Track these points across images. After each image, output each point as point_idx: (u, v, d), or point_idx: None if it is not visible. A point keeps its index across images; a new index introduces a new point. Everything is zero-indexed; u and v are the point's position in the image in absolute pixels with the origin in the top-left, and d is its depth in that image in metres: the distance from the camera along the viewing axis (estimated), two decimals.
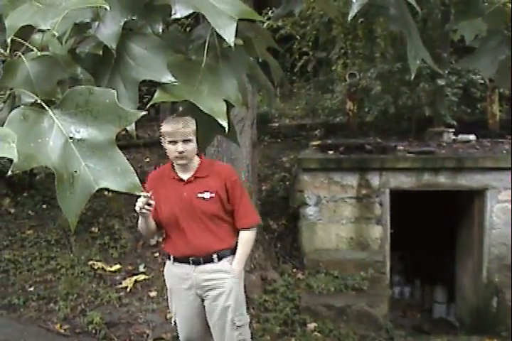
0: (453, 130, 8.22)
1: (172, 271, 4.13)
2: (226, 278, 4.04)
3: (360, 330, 5.94)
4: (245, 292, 6.07)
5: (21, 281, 6.55)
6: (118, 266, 6.80)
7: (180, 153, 3.79)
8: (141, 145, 9.93)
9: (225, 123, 1.34)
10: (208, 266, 4.01)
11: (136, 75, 1.27)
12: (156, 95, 1.31)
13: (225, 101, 1.61)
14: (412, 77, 1.91)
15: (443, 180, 6.77)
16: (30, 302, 6.21)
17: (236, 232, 4.11)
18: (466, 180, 6.74)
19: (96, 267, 6.72)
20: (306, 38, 10.68)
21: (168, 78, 1.25)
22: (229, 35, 1.21)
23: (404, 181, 6.82)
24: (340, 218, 6.93)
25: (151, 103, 1.30)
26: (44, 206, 8.15)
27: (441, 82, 8.16)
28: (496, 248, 6.76)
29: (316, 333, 5.86)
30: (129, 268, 6.77)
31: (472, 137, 8.03)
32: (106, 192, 8.32)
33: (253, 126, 6.56)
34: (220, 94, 1.41)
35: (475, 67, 2.01)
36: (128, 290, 6.38)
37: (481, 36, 2.08)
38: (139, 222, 4.00)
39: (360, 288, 6.48)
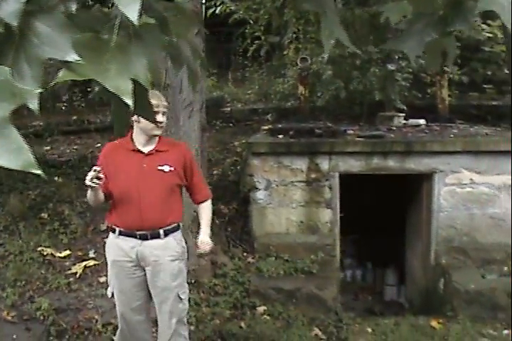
0: (403, 114, 8.28)
1: (116, 243, 4.22)
2: (171, 255, 4.21)
3: (309, 313, 5.99)
4: (195, 276, 6.20)
5: None
6: (67, 252, 6.71)
7: (160, 123, 4.07)
8: (92, 131, 9.84)
9: (129, 102, 1.31)
10: (154, 242, 4.15)
11: (41, 54, 1.25)
12: (60, 74, 1.28)
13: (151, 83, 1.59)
14: (326, 56, 1.90)
15: (392, 163, 6.83)
16: None
17: (182, 209, 4.36)
18: (415, 163, 6.81)
19: (45, 253, 6.63)
20: (259, 22, 10.63)
21: (72, 57, 1.23)
22: (132, 14, 1.19)
23: (354, 165, 6.86)
24: (290, 202, 6.95)
25: (54, 82, 1.28)
26: None
27: (391, 66, 8.22)
28: (444, 230, 6.86)
29: (265, 316, 5.90)
30: (79, 253, 6.69)
31: (422, 121, 8.10)
32: (56, 178, 8.25)
33: (202, 110, 6.53)
34: (128, 73, 1.39)
35: (401, 49, 2.02)
36: (77, 275, 6.31)
37: (408, 18, 2.09)
38: (88, 193, 4.07)
39: (310, 271, 6.51)
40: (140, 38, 1.46)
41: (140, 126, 4.10)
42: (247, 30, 11.30)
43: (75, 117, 11.06)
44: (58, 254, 6.66)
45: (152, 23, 1.53)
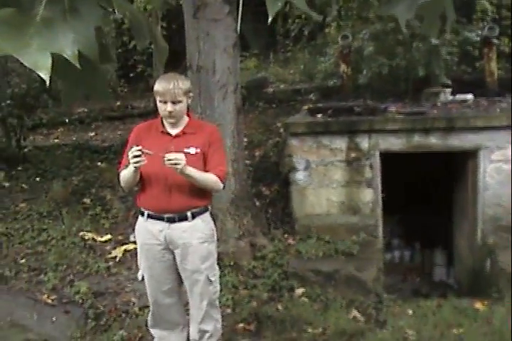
0: (449, 90, 8.02)
1: (145, 227, 4.20)
2: (200, 237, 4.15)
3: (348, 295, 5.86)
4: (234, 258, 6.15)
5: (13, 254, 6.54)
6: (109, 236, 6.78)
7: (169, 112, 3.94)
8: (135, 116, 9.87)
9: (46, 77, 1.23)
10: (182, 224, 4.10)
11: None
12: None
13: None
14: (270, 20, 1.76)
15: (434, 141, 6.62)
16: (22, 274, 6.19)
17: (211, 192, 4.25)
18: (458, 140, 6.58)
19: (86, 238, 6.71)
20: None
21: None
22: None
23: (395, 143, 6.67)
24: (331, 182, 6.82)
25: None
26: (37, 179, 8.18)
27: (435, 41, 7.96)
28: (491, 209, 6.62)
29: (303, 298, 5.80)
30: (120, 238, 6.73)
31: (470, 97, 7.83)
32: (99, 163, 8.31)
33: (237, 92, 6.42)
34: (52, 48, 1.30)
35: (392, 12, 1.88)
36: (117, 259, 6.35)
37: None
38: (126, 173, 4.03)
39: (351, 252, 6.38)
40: (76, 12, 1.37)
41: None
42: (290, 9, 11.14)
43: (118, 103, 11.14)
44: (99, 239, 6.73)
45: None
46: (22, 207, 7.47)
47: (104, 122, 10.38)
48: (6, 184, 8.10)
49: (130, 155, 3.79)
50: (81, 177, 7.97)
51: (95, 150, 8.84)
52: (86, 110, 10.90)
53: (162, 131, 4.12)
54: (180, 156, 3.80)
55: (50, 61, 1.28)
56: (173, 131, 4.11)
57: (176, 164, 3.77)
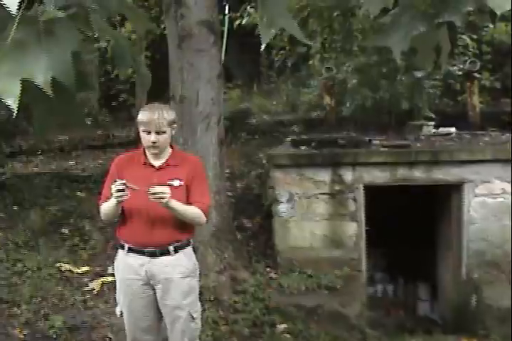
0: (432, 123, 8.02)
1: (125, 261, 4.07)
2: (182, 272, 4.02)
3: (332, 331, 5.75)
4: (215, 293, 6.02)
5: None
6: (86, 268, 6.61)
7: (153, 143, 3.82)
8: (117, 145, 9.77)
9: (13, 105, 1.13)
10: (164, 258, 3.98)
11: None
12: None
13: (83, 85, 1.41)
14: (263, 47, 1.68)
15: (418, 174, 6.59)
16: None
17: (194, 225, 4.14)
18: (442, 173, 6.56)
19: (63, 269, 6.53)
20: (285, 33, 10.48)
21: None
22: (11, 3, 1.01)
23: (379, 176, 6.63)
24: (314, 215, 6.74)
25: None
26: (15, 207, 7.99)
27: (418, 74, 7.98)
28: (475, 243, 6.58)
29: (285, 334, 5.67)
30: (98, 269, 6.57)
31: (453, 130, 7.84)
32: (78, 193, 8.18)
33: (220, 123, 6.36)
34: (22, 74, 1.21)
35: (385, 44, 1.81)
36: (95, 292, 6.20)
37: (393, 11, 1.89)
38: (107, 205, 3.92)
39: (334, 286, 6.28)
40: (52, 34, 1.28)
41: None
42: (274, 41, 11.16)
43: (100, 132, 11.06)
44: (77, 270, 6.57)
45: (61, 16, 1.34)
46: None
47: (85, 151, 10.28)
48: None
49: (113, 188, 3.68)
50: (59, 207, 7.82)
51: (75, 179, 8.71)
52: (67, 138, 10.80)
53: (145, 163, 4.00)
54: (165, 190, 3.71)
55: (18, 88, 1.19)
56: (156, 163, 4.00)
57: (160, 198, 3.68)
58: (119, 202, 3.79)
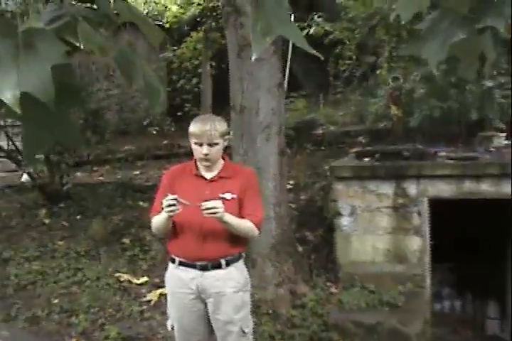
0: (504, 134, 7.73)
1: (176, 274, 4.04)
2: (234, 286, 3.96)
3: None
4: (273, 307, 5.91)
5: (47, 293, 6.44)
6: (145, 279, 6.64)
7: (205, 155, 3.78)
8: (182, 155, 9.80)
9: None
10: (216, 272, 3.92)
11: None
12: None
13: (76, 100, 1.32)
14: (254, 58, 1.55)
15: (486, 187, 6.32)
16: (53, 314, 6.08)
17: (247, 239, 4.07)
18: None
19: (122, 279, 6.60)
20: (352, 42, 10.36)
21: None
22: None
23: (444, 189, 6.39)
24: (376, 229, 6.54)
25: None
26: (78, 217, 8.11)
27: (488, 83, 7.71)
28: None
29: None
30: (156, 280, 6.55)
31: None
32: (141, 203, 8.21)
33: (281, 133, 6.27)
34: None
35: (420, 54, 1.67)
36: (152, 303, 6.18)
37: (430, 17, 1.75)
38: (159, 219, 3.87)
39: (395, 303, 6.08)
40: (31, 48, 1.20)
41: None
42: (342, 51, 11.06)
43: (165, 141, 11.13)
44: (135, 281, 6.60)
45: (41, 28, 1.25)
46: (60, 245, 7.41)
47: (150, 161, 10.37)
48: (47, 221, 8.07)
49: (164, 203, 3.63)
50: (122, 217, 7.90)
51: (138, 189, 8.78)
52: (133, 148, 10.92)
53: (196, 175, 3.96)
54: (218, 204, 3.63)
55: None
56: (208, 175, 3.95)
57: (214, 213, 3.60)
58: (170, 217, 3.73)
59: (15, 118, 1.40)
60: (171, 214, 3.66)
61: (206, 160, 3.84)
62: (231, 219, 3.74)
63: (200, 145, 3.79)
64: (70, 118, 1.42)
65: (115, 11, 1.64)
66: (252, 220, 3.89)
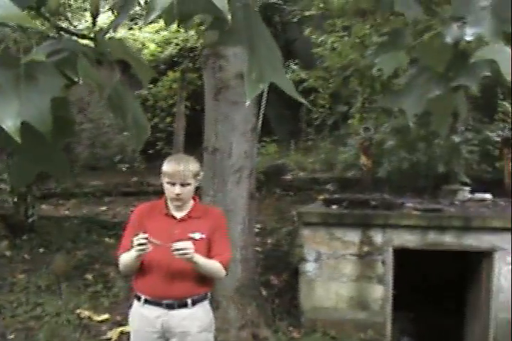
0: (468, 188, 7.91)
1: (141, 313, 3.98)
2: (199, 325, 3.93)
3: None
4: None
5: (2, 328, 6.30)
6: (106, 316, 6.53)
7: (177, 195, 3.77)
8: (151, 193, 9.80)
9: None
10: (182, 311, 3.88)
11: None
12: None
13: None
14: (248, 102, 1.65)
15: (449, 239, 6.44)
16: None
17: (213, 279, 4.06)
18: (474, 240, 6.40)
19: (83, 316, 6.47)
20: (326, 91, 10.54)
21: None
22: None
23: (409, 239, 6.49)
24: (341, 276, 6.60)
25: None
26: (41, 250, 8.03)
27: (456, 138, 7.91)
28: (504, 312, 6.36)
29: None
30: (118, 318, 6.48)
31: (488, 196, 7.71)
32: (106, 239, 8.18)
33: (251, 177, 6.33)
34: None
35: (398, 106, 1.77)
36: None
37: (409, 73, 1.86)
38: (127, 258, 3.82)
39: None
40: (32, 79, 1.26)
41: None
42: (315, 99, 11.25)
43: (135, 178, 11.15)
44: (96, 318, 6.50)
45: (42, 60, 1.32)
46: (20, 279, 7.27)
47: (118, 197, 10.35)
48: (8, 253, 7.95)
49: (135, 242, 3.62)
50: (86, 252, 7.83)
51: (104, 225, 8.75)
52: (101, 183, 10.90)
53: (166, 214, 3.95)
54: (189, 245, 3.64)
55: None
56: (178, 215, 3.94)
57: (184, 254, 3.62)
58: (139, 255, 3.74)
59: (7, 147, 1.45)
60: (141, 252, 3.65)
61: (178, 199, 3.85)
62: (200, 260, 3.74)
63: (173, 184, 3.79)
64: (60, 149, 1.48)
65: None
66: (221, 261, 3.89)
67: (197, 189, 4.10)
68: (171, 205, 3.95)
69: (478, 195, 7.72)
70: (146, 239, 3.59)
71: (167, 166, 3.82)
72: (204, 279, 3.92)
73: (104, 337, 6.18)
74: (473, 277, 7.00)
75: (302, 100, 1.68)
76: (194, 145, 6.69)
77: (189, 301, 3.89)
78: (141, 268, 3.92)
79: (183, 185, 3.78)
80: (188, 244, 3.64)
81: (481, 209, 6.97)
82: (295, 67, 11.82)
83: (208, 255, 3.86)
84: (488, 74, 1.71)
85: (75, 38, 1.84)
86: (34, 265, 7.59)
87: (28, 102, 1.25)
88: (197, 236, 3.85)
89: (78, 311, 6.54)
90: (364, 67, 8.88)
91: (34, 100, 1.26)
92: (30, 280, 7.17)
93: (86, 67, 1.47)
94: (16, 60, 1.34)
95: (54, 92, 1.32)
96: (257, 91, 1.51)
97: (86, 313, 6.51)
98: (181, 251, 3.60)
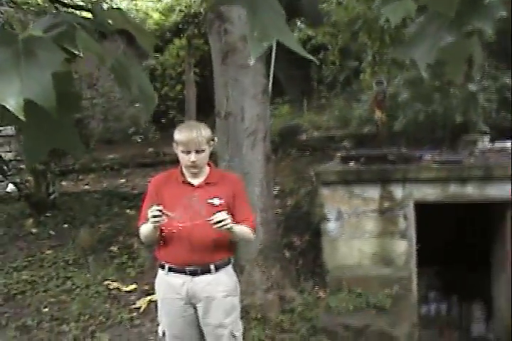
0: (488, 137, 7.78)
1: (166, 280, 4.05)
2: (223, 290, 3.99)
3: None
4: (262, 311, 5.92)
5: (37, 302, 6.41)
6: (134, 286, 6.62)
7: (193, 162, 3.79)
8: (167, 162, 9.78)
9: None
10: (205, 277, 3.94)
11: None
12: None
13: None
14: (252, 62, 1.58)
15: (471, 190, 6.36)
16: (44, 323, 6.05)
17: (235, 244, 4.14)
18: (496, 190, 6.31)
19: (111, 287, 6.58)
20: (335, 47, 10.38)
21: None
22: None
23: (430, 193, 6.43)
24: (363, 233, 6.57)
25: None
26: (65, 226, 8.09)
27: (472, 86, 7.76)
28: None
29: None
30: (145, 288, 6.55)
31: (509, 144, 7.57)
32: (128, 211, 8.20)
33: (266, 139, 6.27)
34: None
35: (409, 56, 1.69)
36: (141, 310, 6.18)
37: (418, 21, 1.77)
38: (146, 228, 3.90)
39: (383, 306, 6.10)
40: (32, 55, 1.21)
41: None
42: (325, 56, 11.09)
43: (150, 149, 11.14)
44: (124, 288, 6.59)
45: (40, 35, 1.27)
46: (48, 254, 7.39)
47: (135, 169, 10.37)
48: (34, 230, 8.04)
49: (149, 214, 3.65)
50: (109, 225, 7.89)
51: (124, 197, 8.78)
52: (117, 156, 10.91)
53: (183, 182, 3.97)
54: (225, 216, 3.67)
55: None
56: (195, 182, 3.97)
57: (224, 225, 3.65)
58: (155, 227, 3.76)
59: (15, 125, 1.41)
60: (157, 224, 3.70)
61: (194, 167, 3.86)
62: (236, 228, 3.80)
63: (188, 152, 3.80)
64: (70, 124, 1.43)
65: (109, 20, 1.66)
66: (248, 225, 3.95)
67: (211, 155, 4.08)
68: (186, 173, 3.97)
69: (499, 144, 7.60)
70: (160, 211, 3.59)
71: (179, 135, 3.81)
72: (225, 245, 3.97)
73: (133, 306, 6.27)
74: (497, 228, 6.94)
75: (309, 56, 1.62)
76: (206, 111, 6.63)
77: (212, 267, 3.94)
78: (162, 237, 3.95)
79: (197, 151, 3.80)
80: (225, 215, 3.67)
81: (502, 158, 6.85)
82: (302, 25, 11.64)
83: (234, 220, 3.85)
84: (504, 14, 1.62)
85: (71, 10, 1.79)
86: (60, 240, 7.70)
87: (29, 79, 1.22)
88: (216, 201, 3.89)
89: (106, 282, 6.64)
90: (372, 19, 8.72)
91: (35, 76, 1.23)
92: (58, 255, 7.29)
93: (85, 40, 1.42)
94: (13, 37, 1.30)
95: (55, 67, 1.27)
96: (261, 49, 1.45)
97: (114, 284, 6.62)
98: (222, 223, 3.62)
